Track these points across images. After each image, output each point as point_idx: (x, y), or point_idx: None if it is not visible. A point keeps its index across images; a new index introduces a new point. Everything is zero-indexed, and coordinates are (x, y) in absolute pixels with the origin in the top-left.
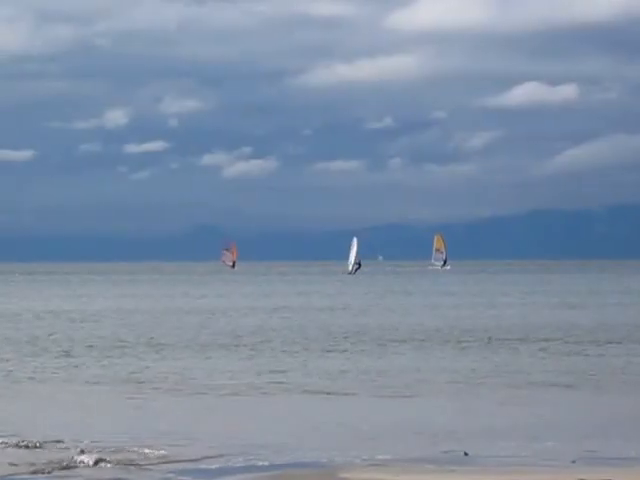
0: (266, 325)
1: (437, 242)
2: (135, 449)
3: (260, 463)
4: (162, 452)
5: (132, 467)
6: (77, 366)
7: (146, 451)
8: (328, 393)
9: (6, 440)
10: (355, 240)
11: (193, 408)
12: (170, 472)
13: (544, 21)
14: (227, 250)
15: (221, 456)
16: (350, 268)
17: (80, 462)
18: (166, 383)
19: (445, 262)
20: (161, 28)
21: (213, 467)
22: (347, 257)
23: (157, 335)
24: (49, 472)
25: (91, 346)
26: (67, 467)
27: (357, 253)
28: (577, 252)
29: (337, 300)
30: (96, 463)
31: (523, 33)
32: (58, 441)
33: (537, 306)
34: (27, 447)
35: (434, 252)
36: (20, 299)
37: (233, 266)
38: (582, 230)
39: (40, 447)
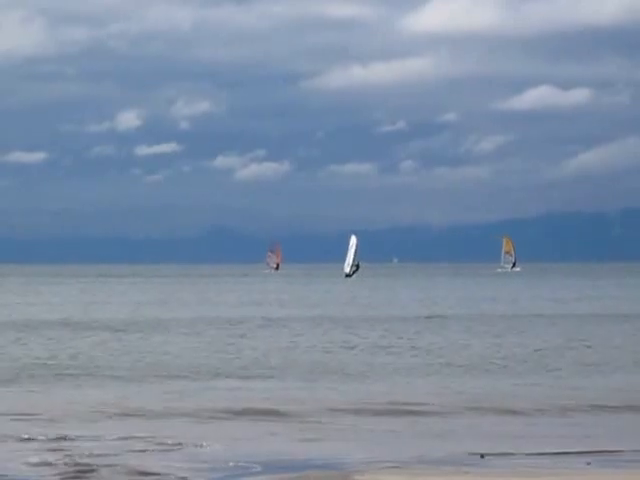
0: None
1: (506, 244)
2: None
3: None
4: None
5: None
6: None
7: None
8: None
9: None
10: (354, 239)
11: None
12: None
13: (556, 24)
14: (272, 252)
15: None
16: (347, 270)
17: None
18: None
19: (514, 264)
20: (175, 30)
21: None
22: (363, 259)
23: None
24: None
25: None
26: None
27: (356, 254)
28: (592, 255)
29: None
30: None
31: (535, 36)
32: None
33: None
34: None
35: (503, 254)
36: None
37: (277, 268)
38: (597, 233)
39: None
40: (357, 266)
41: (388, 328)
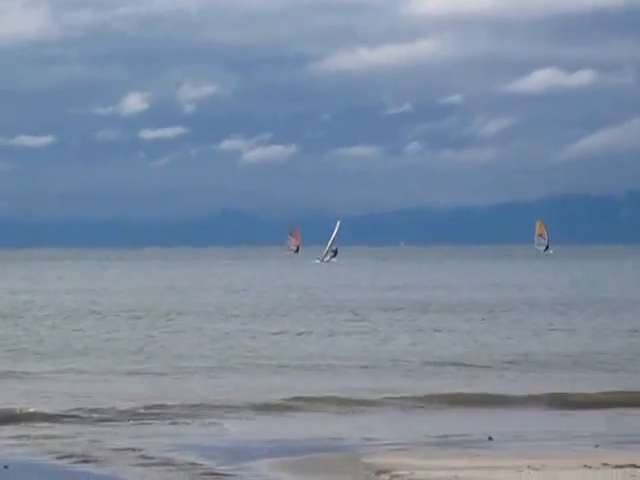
0: None
1: (539, 227)
2: None
3: None
4: None
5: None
6: None
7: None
8: None
9: None
10: (338, 223)
11: None
12: (201, 455)
13: (562, 6)
14: (291, 235)
15: None
16: (323, 255)
17: None
18: None
19: (547, 247)
20: (182, 12)
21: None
22: (366, 242)
23: None
24: None
25: None
26: None
27: (334, 239)
28: (599, 237)
29: None
30: None
31: (541, 18)
32: None
33: None
34: None
35: (536, 237)
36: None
37: (297, 251)
38: (603, 216)
39: None
40: (335, 252)
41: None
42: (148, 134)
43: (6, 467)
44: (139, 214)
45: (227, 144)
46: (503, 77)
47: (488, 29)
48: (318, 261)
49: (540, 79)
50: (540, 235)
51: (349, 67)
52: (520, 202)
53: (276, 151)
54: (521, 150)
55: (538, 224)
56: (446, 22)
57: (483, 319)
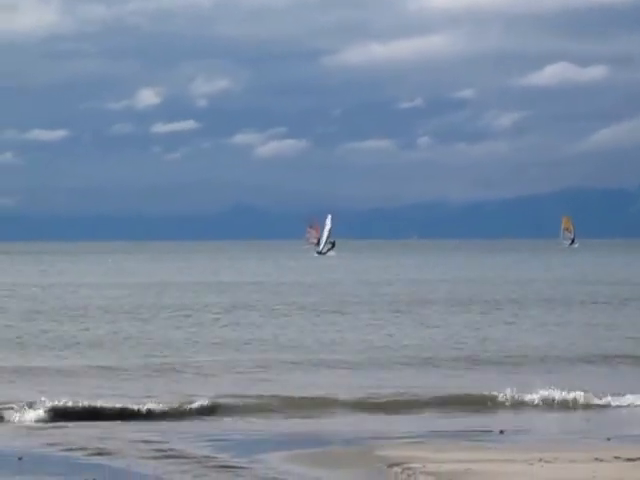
0: None
1: (565, 222)
2: None
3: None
4: None
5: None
6: None
7: None
8: None
9: None
10: (329, 218)
11: None
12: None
13: (574, 1)
14: (311, 227)
15: None
16: (320, 248)
17: None
18: None
19: (573, 241)
20: (196, 7)
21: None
22: (378, 235)
23: None
24: None
25: None
26: None
27: (330, 232)
28: (611, 231)
29: None
30: None
31: (554, 13)
32: None
33: None
34: None
35: (562, 231)
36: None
37: (317, 243)
38: (616, 209)
39: None
40: (332, 244)
41: None
42: (161, 128)
43: (20, 459)
44: (152, 208)
45: (240, 138)
46: (515, 71)
47: (499, 23)
48: (317, 255)
49: (552, 73)
50: (566, 229)
51: (361, 62)
52: (533, 196)
53: (289, 145)
54: (533, 144)
55: (565, 219)
56: (457, 16)
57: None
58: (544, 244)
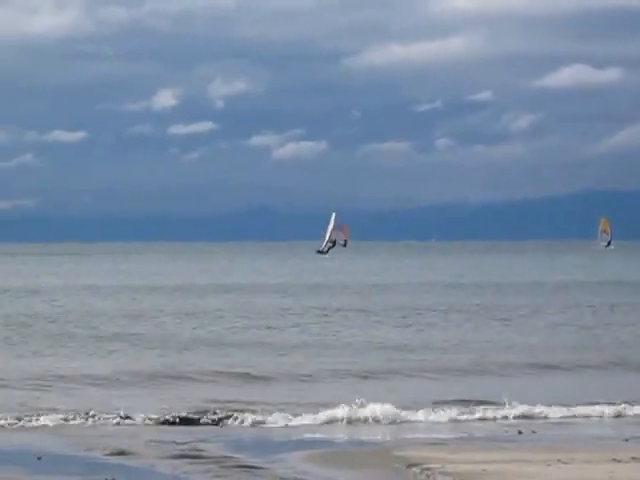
0: None
1: (603, 224)
2: None
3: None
4: None
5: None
6: None
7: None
8: None
9: None
10: (334, 216)
11: None
12: (228, 447)
13: (591, 3)
14: (338, 229)
15: None
16: (322, 246)
17: None
18: None
19: (609, 242)
20: (216, 8)
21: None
22: (397, 237)
23: None
24: None
25: None
26: None
27: (332, 231)
28: (631, 232)
29: None
30: None
31: (570, 15)
32: None
33: None
34: None
35: (600, 233)
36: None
37: (345, 245)
38: (634, 211)
39: None
40: (333, 243)
41: None
42: (179, 130)
43: (39, 458)
44: (170, 209)
45: (258, 140)
46: (532, 73)
47: (517, 25)
48: (327, 255)
49: (568, 75)
50: (604, 231)
51: (380, 63)
52: (551, 197)
53: (307, 147)
54: (551, 146)
55: (603, 221)
56: (476, 18)
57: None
58: (582, 245)
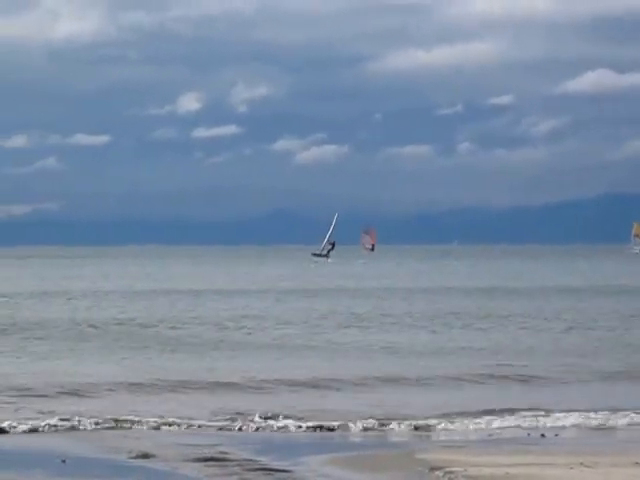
0: None
1: (636, 228)
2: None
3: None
4: None
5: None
6: None
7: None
8: None
9: None
10: (336, 217)
11: None
12: (255, 451)
13: (613, 8)
14: (366, 233)
15: None
16: (321, 249)
17: None
18: None
19: None
20: (239, 13)
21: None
22: (418, 241)
23: None
24: None
25: None
26: None
27: (332, 232)
28: None
29: None
30: None
31: (592, 20)
32: None
33: None
34: None
35: (633, 237)
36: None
37: (372, 249)
38: None
39: None
40: (332, 245)
41: None
42: (203, 134)
43: (63, 461)
44: (193, 213)
45: (281, 144)
46: (554, 77)
47: (539, 30)
48: (330, 260)
49: (591, 80)
50: (637, 235)
51: (402, 67)
52: (572, 201)
53: (330, 151)
54: (573, 150)
55: (636, 225)
56: (498, 23)
57: None
58: (611, 250)
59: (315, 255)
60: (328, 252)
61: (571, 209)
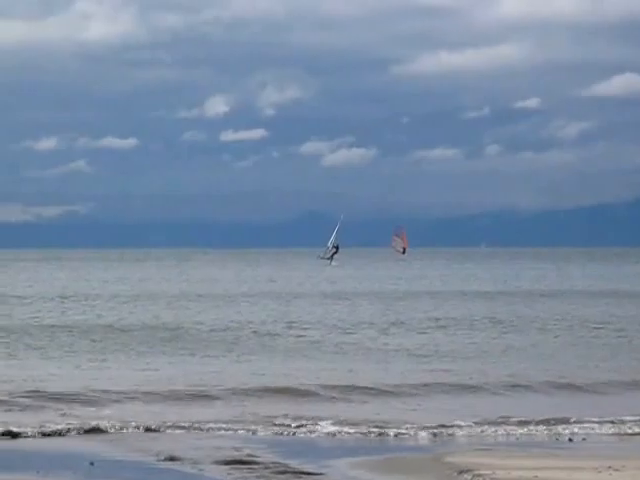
0: None
1: None
2: None
3: None
4: None
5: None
6: None
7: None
8: None
9: None
10: (341, 218)
11: None
12: (281, 452)
13: (637, 11)
14: (397, 236)
15: None
16: (325, 252)
17: None
18: None
19: None
20: (267, 16)
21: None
22: (446, 244)
23: None
24: None
25: None
26: None
27: (336, 234)
28: None
29: None
30: None
31: (620, 23)
32: None
33: None
34: None
35: None
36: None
37: (404, 252)
38: None
39: None
40: (336, 248)
41: None
42: (231, 137)
43: (92, 464)
44: (222, 216)
45: (309, 147)
46: (582, 81)
47: (567, 33)
48: (335, 263)
49: (620, 83)
50: None
51: (431, 71)
52: (602, 205)
53: (358, 154)
54: (602, 153)
55: None
56: (526, 26)
57: None
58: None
59: (322, 258)
60: (332, 256)
61: (601, 212)
